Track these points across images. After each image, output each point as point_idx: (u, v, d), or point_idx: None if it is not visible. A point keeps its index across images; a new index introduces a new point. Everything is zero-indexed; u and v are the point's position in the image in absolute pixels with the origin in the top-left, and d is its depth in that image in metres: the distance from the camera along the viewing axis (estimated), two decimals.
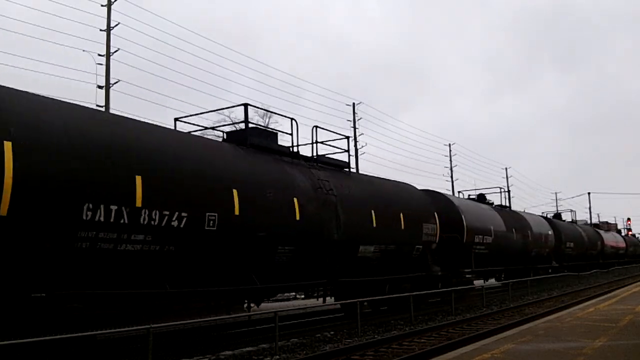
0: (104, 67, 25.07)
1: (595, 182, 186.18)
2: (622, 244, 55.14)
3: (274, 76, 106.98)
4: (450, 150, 54.27)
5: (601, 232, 48.41)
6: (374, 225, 14.92)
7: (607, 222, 66.73)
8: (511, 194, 62.17)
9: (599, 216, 72.48)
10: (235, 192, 10.56)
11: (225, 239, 10.29)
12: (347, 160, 16.26)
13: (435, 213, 18.60)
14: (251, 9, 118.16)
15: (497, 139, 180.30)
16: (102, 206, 8.18)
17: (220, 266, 10.59)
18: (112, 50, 25.30)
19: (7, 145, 7.30)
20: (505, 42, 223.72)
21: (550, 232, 32.23)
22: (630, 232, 70.03)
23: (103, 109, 24.13)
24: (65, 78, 36.94)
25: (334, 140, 16.30)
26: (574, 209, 49.29)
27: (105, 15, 25.59)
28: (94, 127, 8.79)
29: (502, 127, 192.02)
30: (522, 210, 34.44)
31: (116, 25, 25.70)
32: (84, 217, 7.98)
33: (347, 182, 14.99)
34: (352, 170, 16.87)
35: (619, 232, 67.65)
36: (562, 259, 34.35)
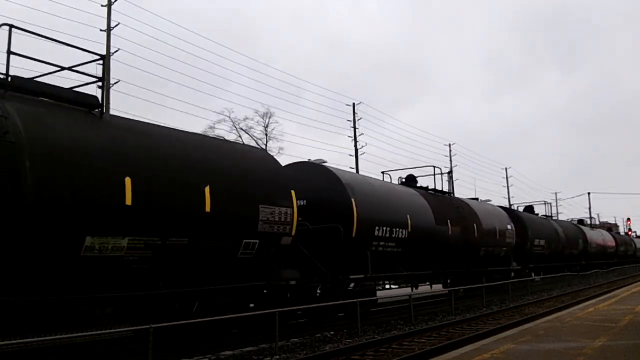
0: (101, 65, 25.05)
1: (596, 182, 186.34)
2: (611, 243, 49.76)
3: (274, 76, 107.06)
4: (450, 150, 54.28)
5: (585, 228, 42.95)
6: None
7: (607, 222, 66.66)
8: (511, 194, 62.34)
9: (598, 216, 72.49)
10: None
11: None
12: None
13: (292, 192, 12.80)
14: (250, 7, 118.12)
15: (497, 138, 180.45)
16: None
17: None
18: (112, 50, 25.30)
19: None
20: (505, 42, 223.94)
21: (510, 227, 25.77)
22: (630, 232, 69.22)
23: (103, 109, 24.08)
24: (65, 78, 36.83)
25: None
26: (572, 208, 49.15)
27: (105, 16, 25.61)
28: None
29: (503, 126, 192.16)
30: (479, 199, 29.50)
31: (116, 25, 25.72)
32: None
33: None
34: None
35: (618, 232, 67.17)
36: (527, 259, 28.28)
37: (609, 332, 9.77)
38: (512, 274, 26.17)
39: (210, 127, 37.60)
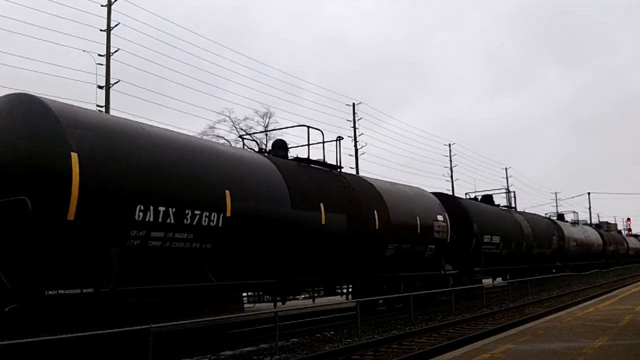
0: (103, 67, 25.09)
1: (596, 182, 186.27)
2: (598, 241, 43.77)
3: (273, 75, 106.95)
4: (450, 150, 54.26)
5: (563, 224, 37.34)
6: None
7: (607, 222, 66.50)
8: (510, 194, 62.32)
9: (599, 216, 72.49)
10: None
11: None
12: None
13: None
14: (248, 5, 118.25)
15: (498, 137, 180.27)
16: None
17: None
18: (112, 50, 25.31)
19: None
20: (505, 40, 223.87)
21: (441, 218, 19.20)
22: (630, 232, 68.64)
23: (103, 109, 24.17)
24: (66, 78, 36.90)
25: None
26: (574, 209, 48.91)
27: (105, 16, 25.60)
28: None
29: (503, 125, 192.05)
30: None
31: (116, 25, 25.71)
32: None
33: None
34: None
35: (619, 232, 65.07)
36: (472, 261, 21.99)
37: (609, 332, 9.77)
38: (451, 281, 20.10)
39: (210, 127, 37.59)
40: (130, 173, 9.08)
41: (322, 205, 13.70)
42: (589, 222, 60.01)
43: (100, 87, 24.73)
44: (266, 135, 39.64)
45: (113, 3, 25.82)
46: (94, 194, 8.45)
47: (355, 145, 39.40)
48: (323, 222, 13.62)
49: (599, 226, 54.33)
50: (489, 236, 23.25)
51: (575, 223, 42.44)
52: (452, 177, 53.62)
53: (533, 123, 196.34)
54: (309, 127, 15.78)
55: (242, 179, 11.57)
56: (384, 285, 17.38)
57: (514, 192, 36.40)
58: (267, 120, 39.57)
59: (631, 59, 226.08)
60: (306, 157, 15.00)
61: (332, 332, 13.28)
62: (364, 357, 10.49)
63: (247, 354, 10.60)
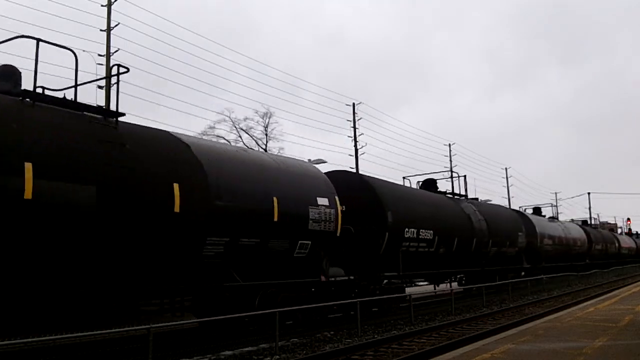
0: (104, 67, 25.08)
1: (596, 182, 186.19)
2: (582, 239, 38.29)
3: (273, 75, 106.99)
4: (450, 150, 54.23)
5: (535, 218, 31.50)
6: None
7: (607, 222, 66.42)
8: (511, 194, 62.32)
9: (599, 216, 72.46)
10: None
11: None
12: None
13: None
14: (247, 5, 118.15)
15: (498, 137, 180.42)
16: None
17: None
18: (112, 50, 25.31)
19: None
20: (506, 39, 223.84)
21: (326, 204, 13.84)
22: (628, 232, 68.05)
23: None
24: (65, 78, 36.84)
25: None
26: (574, 209, 48.30)
27: (105, 16, 25.60)
28: None
29: (503, 125, 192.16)
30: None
31: (116, 25, 25.71)
32: None
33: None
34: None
35: (611, 230, 60.82)
36: (387, 263, 16.74)
37: (609, 332, 9.77)
38: (356, 291, 15.26)
39: (211, 127, 37.55)
40: None
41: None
42: (588, 222, 59.84)
43: (100, 87, 24.73)
44: (266, 135, 39.66)
45: (113, 3, 25.81)
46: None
47: (355, 145, 39.38)
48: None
49: (585, 223, 49.41)
50: (414, 230, 17.56)
51: (554, 218, 37.79)
52: (452, 177, 53.56)
53: (533, 123, 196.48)
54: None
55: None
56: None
57: (464, 175, 26.42)
58: (267, 120, 39.55)
59: (631, 58, 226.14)
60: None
61: (332, 332, 13.28)
62: (364, 357, 10.49)
63: (247, 354, 10.59)
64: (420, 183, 23.35)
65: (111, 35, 25.44)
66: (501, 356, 7.68)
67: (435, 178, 23.91)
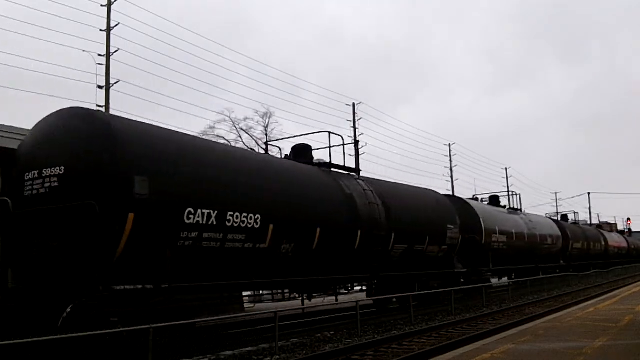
0: (103, 67, 25.09)
1: (596, 182, 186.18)
2: (554, 235, 31.94)
3: (273, 75, 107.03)
4: (450, 150, 54.24)
5: (478, 205, 24.16)
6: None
7: (607, 223, 66.24)
8: (510, 194, 62.21)
9: (599, 216, 72.41)
10: None
11: None
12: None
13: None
14: (249, 4, 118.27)
15: (498, 137, 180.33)
16: None
17: None
18: (112, 50, 25.31)
19: None
20: (506, 37, 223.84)
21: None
22: (626, 232, 66.85)
23: (103, 109, 24.18)
24: (66, 78, 36.95)
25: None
26: (574, 209, 47.05)
27: (105, 16, 25.61)
28: None
29: (503, 125, 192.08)
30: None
31: (116, 25, 25.72)
32: None
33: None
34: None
35: (599, 226, 53.41)
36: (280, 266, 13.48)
37: (609, 332, 9.77)
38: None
39: (211, 127, 37.52)
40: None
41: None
42: (589, 222, 59.70)
43: (100, 87, 24.74)
44: (266, 135, 39.63)
45: (113, 3, 25.82)
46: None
47: (356, 146, 39.35)
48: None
49: (565, 218, 42.65)
50: (209, 212, 11.71)
51: (515, 210, 29.40)
52: (452, 177, 53.61)
53: (533, 123, 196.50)
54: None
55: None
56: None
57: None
58: (267, 120, 39.48)
59: (631, 58, 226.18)
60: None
61: (332, 332, 13.28)
62: (364, 357, 10.49)
63: (247, 354, 10.60)
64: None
65: (111, 35, 25.45)
66: (501, 356, 7.68)
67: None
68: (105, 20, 25.55)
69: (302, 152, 15.73)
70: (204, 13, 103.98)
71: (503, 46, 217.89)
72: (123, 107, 53.85)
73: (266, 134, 39.37)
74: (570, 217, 44.27)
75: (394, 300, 18.76)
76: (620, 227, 67.25)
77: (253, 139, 38.83)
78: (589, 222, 58.18)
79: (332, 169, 15.75)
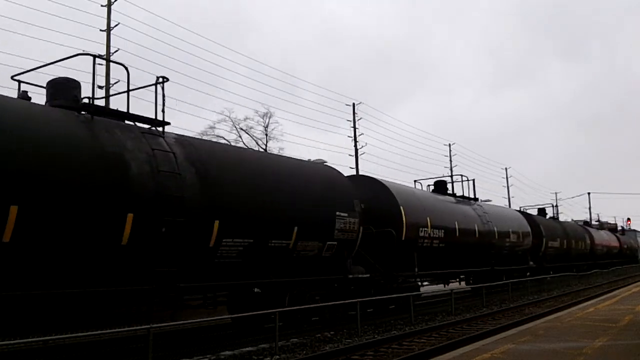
0: (103, 67, 25.08)
1: (596, 182, 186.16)
2: (521, 232, 26.18)
3: (273, 75, 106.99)
4: (450, 150, 54.23)
5: (401, 191, 18.49)
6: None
7: (607, 222, 66.16)
8: (511, 194, 62.29)
9: (599, 216, 72.35)
10: None
11: None
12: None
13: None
14: (249, 3, 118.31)
15: (498, 137, 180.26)
16: None
17: None
18: (112, 50, 25.31)
19: None
20: (507, 36, 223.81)
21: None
22: (619, 230, 61.87)
23: None
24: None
25: None
26: (572, 209, 45.59)
27: (105, 16, 25.61)
28: None
29: (503, 125, 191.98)
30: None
31: (116, 25, 25.72)
32: None
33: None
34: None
35: (586, 223, 49.21)
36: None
37: (609, 332, 9.77)
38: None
39: (211, 127, 37.52)
40: None
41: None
42: (589, 222, 59.44)
43: (100, 87, 24.73)
44: (266, 135, 39.63)
45: (113, 3, 25.83)
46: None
47: (355, 146, 39.38)
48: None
49: (542, 212, 35.80)
50: (426, 229, 18.76)
51: (468, 199, 23.63)
52: (452, 177, 53.56)
53: (533, 123, 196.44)
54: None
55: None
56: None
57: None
58: (267, 120, 39.49)
59: (631, 59, 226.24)
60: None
61: (332, 332, 13.28)
62: (364, 357, 10.49)
63: (247, 354, 10.60)
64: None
65: (111, 35, 25.45)
66: (501, 356, 7.68)
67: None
68: (105, 20, 25.56)
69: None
70: (203, 13, 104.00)
71: (503, 46, 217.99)
72: (123, 107, 53.85)
73: (266, 134, 39.38)
74: (569, 215, 43.17)
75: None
76: (620, 227, 66.63)
77: (253, 139, 38.84)
78: (589, 223, 57.90)
79: (100, 116, 10.26)
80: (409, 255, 17.58)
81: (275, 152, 36.58)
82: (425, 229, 18.51)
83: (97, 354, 9.97)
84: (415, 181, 23.62)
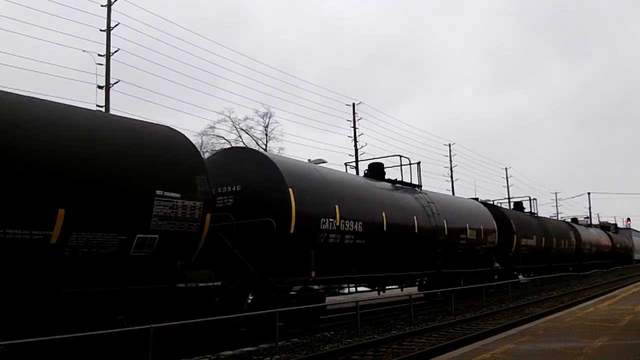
0: (103, 67, 25.10)
1: (596, 182, 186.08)
2: (479, 228, 21.60)
3: (272, 75, 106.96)
4: (450, 150, 54.23)
5: (283, 160, 14.39)
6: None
7: (607, 222, 66.05)
8: (511, 194, 62.24)
9: (599, 216, 72.36)
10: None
11: None
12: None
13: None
14: (248, 3, 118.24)
15: (498, 137, 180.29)
16: None
17: None
18: (112, 50, 25.32)
19: None
20: (507, 35, 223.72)
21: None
22: (612, 228, 58.42)
23: (103, 109, 24.19)
24: (66, 78, 36.99)
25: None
26: (572, 208, 44.98)
27: (105, 16, 25.61)
28: None
29: (503, 125, 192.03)
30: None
31: (116, 25, 25.73)
32: None
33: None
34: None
35: (574, 220, 45.88)
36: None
37: (609, 332, 9.77)
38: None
39: (211, 127, 37.58)
40: None
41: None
42: (589, 222, 59.34)
43: (100, 87, 24.75)
44: (266, 135, 39.63)
45: (113, 3, 25.83)
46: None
47: (355, 146, 39.41)
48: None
49: (519, 206, 32.03)
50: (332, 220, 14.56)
51: (411, 186, 19.42)
52: (452, 177, 53.60)
53: (533, 122, 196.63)
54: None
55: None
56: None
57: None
58: (267, 120, 39.52)
59: (631, 58, 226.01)
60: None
61: (332, 332, 13.28)
62: (364, 357, 10.49)
63: (247, 354, 10.60)
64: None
65: (111, 35, 25.45)
66: (501, 356, 7.68)
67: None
68: (105, 20, 25.57)
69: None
70: (203, 13, 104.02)
71: (503, 46, 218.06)
72: (123, 107, 53.89)
73: (266, 134, 39.41)
74: (569, 215, 41.58)
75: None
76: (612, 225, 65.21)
77: (253, 139, 38.87)
78: (589, 222, 57.77)
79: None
80: (304, 254, 13.09)
81: (275, 152, 36.59)
82: (331, 220, 13.90)
83: (97, 354, 9.94)
84: (346, 164, 20.48)
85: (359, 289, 21.79)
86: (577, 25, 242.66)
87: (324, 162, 25.73)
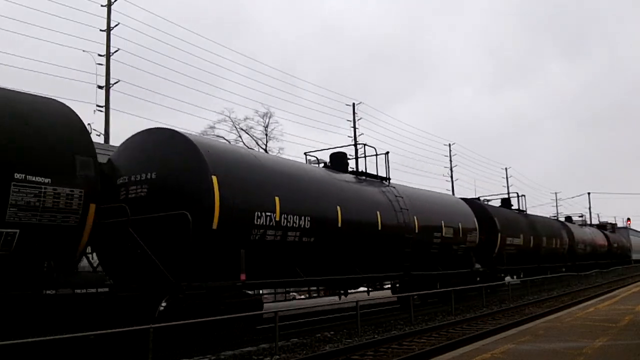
0: (103, 67, 25.11)
1: (596, 182, 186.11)
2: (458, 226, 19.88)
3: (272, 75, 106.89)
4: (450, 150, 54.23)
5: (207, 143, 12.04)
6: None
7: (607, 222, 65.97)
8: (510, 194, 62.13)
9: (599, 216, 72.33)
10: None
11: None
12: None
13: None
14: (248, 3, 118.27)
15: (498, 137, 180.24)
16: None
17: None
18: (112, 50, 25.33)
19: None
20: (507, 35, 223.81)
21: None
22: (609, 227, 56.88)
23: (103, 109, 24.21)
24: (66, 78, 37.00)
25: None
26: (572, 208, 44.50)
27: (105, 16, 25.63)
28: None
29: (503, 125, 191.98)
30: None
31: (116, 25, 25.75)
32: None
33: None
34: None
35: (568, 218, 44.83)
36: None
37: (609, 332, 9.77)
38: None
39: (211, 127, 37.55)
40: None
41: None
42: (589, 222, 59.18)
43: (100, 87, 24.77)
44: (266, 135, 39.62)
45: (113, 3, 25.84)
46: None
47: (355, 146, 39.34)
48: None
49: (507, 202, 30.05)
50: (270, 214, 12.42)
51: (380, 180, 17.76)
52: (452, 177, 53.62)
53: (533, 122, 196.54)
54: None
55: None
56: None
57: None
58: (267, 120, 39.50)
59: (631, 58, 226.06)
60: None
61: (332, 332, 13.28)
62: (364, 357, 10.49)
63: (247, 354, 10.60)
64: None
65: (111, 35, 25.47)
66: (501, 356, 7.68)
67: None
68: (105, 20, 25.58)
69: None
70: (203, 13, 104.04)
71: (503, 46, 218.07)
72: (123, 107, 53.90)
73: (266, 134, 39.38)
74: (569, 211, 41.05)
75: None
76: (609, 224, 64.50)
77: (253, 139, 38.84)
78: (584, 221, 57.48)
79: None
80: (232, 254, 11.27)
81: (275, 152, 36.60)
82: (269, 214, 11.97)
83: (98, 353, 9.95)
84: (305, 153, 17.83)
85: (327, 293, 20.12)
86: (577, 25, 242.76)
87: (324, 161, 25.65)
